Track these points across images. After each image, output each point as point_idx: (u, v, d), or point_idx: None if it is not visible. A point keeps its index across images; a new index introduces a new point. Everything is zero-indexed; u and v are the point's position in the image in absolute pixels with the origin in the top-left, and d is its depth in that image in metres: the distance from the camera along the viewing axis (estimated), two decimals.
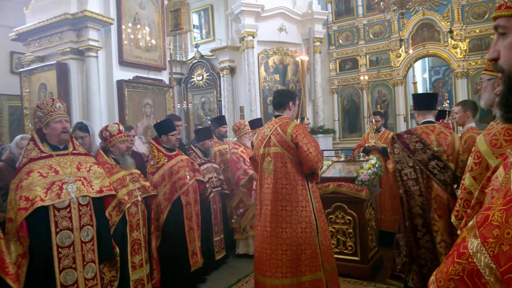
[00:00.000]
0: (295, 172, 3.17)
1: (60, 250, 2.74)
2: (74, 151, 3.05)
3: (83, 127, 4.22)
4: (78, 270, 2.81)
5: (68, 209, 2.79)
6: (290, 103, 3.36)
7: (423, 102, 3.73)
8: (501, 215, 0.70)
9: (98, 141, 4.28)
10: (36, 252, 2.68)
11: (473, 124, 3.61)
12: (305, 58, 8.09)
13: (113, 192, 3.20)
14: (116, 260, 3.29)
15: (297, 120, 4.61)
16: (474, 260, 0.70)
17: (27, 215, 2.62)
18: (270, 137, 3.25)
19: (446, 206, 3.29)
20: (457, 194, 2.24)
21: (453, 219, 2.16)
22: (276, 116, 3.37)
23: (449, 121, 3.86)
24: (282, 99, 3.38)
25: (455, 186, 3.33)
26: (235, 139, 5.86)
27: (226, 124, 6.21)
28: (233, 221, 5.37)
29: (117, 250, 3.26)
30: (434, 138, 3.44)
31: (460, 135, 3.75)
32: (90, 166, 3.08)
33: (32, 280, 2.65)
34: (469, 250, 0.71)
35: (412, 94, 4.52)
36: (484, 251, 0.69)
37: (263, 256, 3.18)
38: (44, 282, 2.71)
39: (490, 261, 0.67)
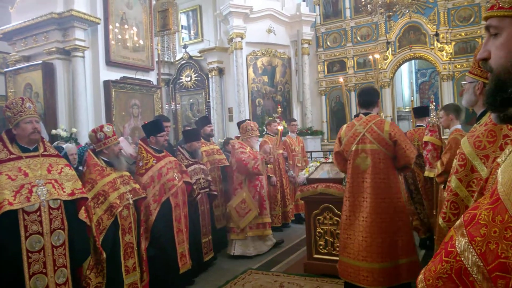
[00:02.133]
0: (390, 167, 3.40)
1: (30, 255, 2.63)
2: (45, 153, 2.94)
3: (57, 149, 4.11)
4: (49, 275, 2.70)
5: (38, 213, 2.69)
6: (378, 101, 3.62)
7: (417, 112, 5.42)
8: (488, 213, 0.71)
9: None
10: (4, 257, 2.58)
11: (458, 126, 3.78)
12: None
13: (86, 195, 3.08)
14: (103, 266, 3.22)
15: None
16: (462, 258, 0.70)
17: None
18: (364, 134, 3.42)
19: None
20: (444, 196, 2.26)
21: (440, 221, 2.18)
22: (365, 114, 3.53)
23: (435, 123, 4.07)
24: (371, 97, 3.56)
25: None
26: (239, 139, 5.79)
27: (211, 123, 6.23)
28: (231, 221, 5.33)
29: (104, 256, 3.18)
30: (417, 136, 5.19)
31: (447, 137, 4.00)
32: (62, 168, 2.97)
33: None
34: (457, 249, 0.72)
35: (413, 108, 5.96)
36: (471, 250, 0.69)
37: (362, 244, 3.37)
38: None
39: (477, 259, 0.68)
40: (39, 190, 2.73)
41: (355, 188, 3.47)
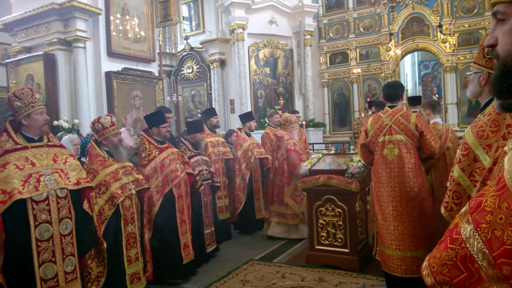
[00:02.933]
0: (416, 157, 3.52)
1: (39, 243, 2.66)
2: (49, 143, 2.96)
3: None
4: (57, 264, 2.74)
5: (46, 202, 2.72)
6: (403, 95, 3.79)
7: (411, 100, 5.29)
8: (494, 200, 0.70)
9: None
10: (14, 246, 2.61)
11: (436, 120, 4.29)
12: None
13: (91, 184, 3.12)
14: (104, 256, 3.24)
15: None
16: (467, 245, 0.70)
17: (5, 209, 2.53)
18: (391, 126, 3.56)
19: None
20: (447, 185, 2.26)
21: (442, 210, 2.18)
22: (391, 107, 3.66)
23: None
24: (397, 91, 3.71)
25: None
26: (280, 129, 6.20)
27: (217, 115, 6.22)
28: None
29: (105, 245, 3.20)
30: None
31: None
32: (66, 158, 2.99)
33: (9, 275, 2.58)
34: (462, 236, 0.72)
35: (408, 97, 5.84)
36: (477, 236, 0.69)
37: (394, 233, 3.46)
38: (22, 277, 2.64)
39: (483, 246, 0.68)
40: (47, 179, 2.76)
41: (383, 179, 3.57)
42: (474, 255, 0.69)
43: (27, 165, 2.72)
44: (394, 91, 3.71)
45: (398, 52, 9.83)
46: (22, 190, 2.61)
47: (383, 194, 3.56)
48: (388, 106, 3.69)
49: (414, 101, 5.39)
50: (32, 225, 2.65)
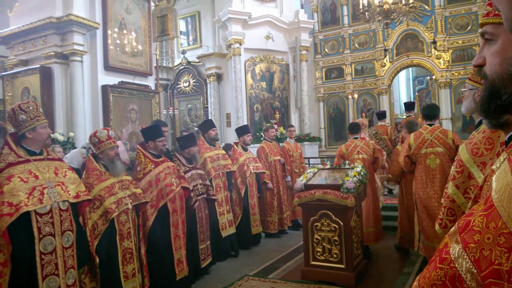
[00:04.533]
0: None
1: (43, 256, 2.66)
2: (49, 156, 2.98)
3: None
4: (60, 277, 2.73)
5: (50, 214, 2.72)
6: (439, 115, 4.61)
7: (407, 106, 6.82)
8: (481, 220, 0.70)
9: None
10: (19, 259, 2.59)
11: None
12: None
13: (90, 197, 3.13)
14: (96, 272, 3.20)
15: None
16: (456, 265, 0.70)
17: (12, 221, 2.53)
18: (432, 140, 4.33)
19: None
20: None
21: (437, 227, 2.19)
22: (430, 125, 4.42)
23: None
24: (434, 112, 4.45)
25: None
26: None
27: (215, 127, 6.01)
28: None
29: (97, 261, 3.17)
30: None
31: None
32: (66, 171, 3.01)
33: None
34: (451, 255, 0.72)
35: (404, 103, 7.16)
36: (465, 256, 0.69)
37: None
38: None
39: (471, 266, 0.68)
40: (50, 192, 2.76)
41: (425, 184, 4.35)
42: (463, 275, 0.69)
43: (31, 178, 2.72)
44: (432, 111, 4.44)
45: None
46: (27, 202, 2.61)
47: (429, 196, 4.27)
48: (428, 124, 4.43)
49: (409, 106, 6.30)
50: (36, 238, 2.64)
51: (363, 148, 5.28)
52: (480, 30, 0.88)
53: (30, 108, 2.86)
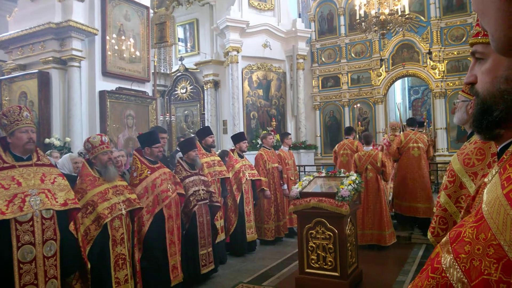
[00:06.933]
0: (425, 156, 6.78)
1: (21, 265, 2.59)
2: (38, 162, 2.92)
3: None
4: (39, 287, 2.67)
5: (30, 223, 2.65)
6: (417, 124, 7.23)
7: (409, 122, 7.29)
8: (472, 231, 0.73)
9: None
10: None
11: (366, 148, 6.25)
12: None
13: (78, 206, 3.07)
14: (88, 277, 3.17)
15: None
16: (448, 274, 0.73)
17: None
18: (415, 139, 6.65)
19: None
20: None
21: (429, 235, 2.22)
22: (412, 129, 6.78)
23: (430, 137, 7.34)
24: (414, 122, 6.84)
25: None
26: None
27: (213, 134, 6.03)
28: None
29: (89, 266, 3.13)
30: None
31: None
32: (55, 177, 2.94)
33: None
34: (443, 265, 0.75)
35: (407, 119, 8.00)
36: (456, 266, 0.72)
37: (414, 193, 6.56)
38: None
39: (462, 276, 0.70)
40: (32, 199, 2.70)
41: (407, 164, 6.57)
42: (454, 285, 0.71)
43: (13, 185, 2.67)
44: (413, 122, 6.97)
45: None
46: (5, 210, 2.54)
47: (411, 176, 6.46)
48: (411, 129, 6.76)
49: (411, 123, 7.42)
50: (14, 246, 2.58)
51: (348, 146, 7.27)
52: (471, 50, 0.91)
53: (11, 112, 2.83)
